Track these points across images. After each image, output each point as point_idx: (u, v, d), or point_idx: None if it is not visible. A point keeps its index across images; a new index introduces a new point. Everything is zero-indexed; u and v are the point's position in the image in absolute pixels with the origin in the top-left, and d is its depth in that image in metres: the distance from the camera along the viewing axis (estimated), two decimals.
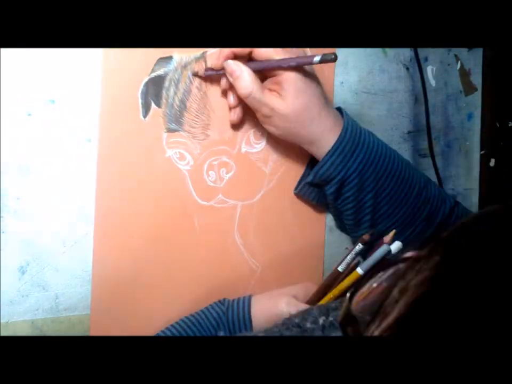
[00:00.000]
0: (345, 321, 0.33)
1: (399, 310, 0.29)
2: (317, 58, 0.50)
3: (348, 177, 0.54)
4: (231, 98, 0.55)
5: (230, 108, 0.56)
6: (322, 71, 0.61)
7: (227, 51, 0.52)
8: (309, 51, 0.56)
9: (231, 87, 0.54)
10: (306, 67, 0.53)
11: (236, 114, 0.55)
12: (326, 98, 0.55)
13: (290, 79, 0.51)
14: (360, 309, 0.32)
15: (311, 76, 0.53)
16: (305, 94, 0.52)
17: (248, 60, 0.53)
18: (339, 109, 0.58)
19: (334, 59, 0.50)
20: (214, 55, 0.54)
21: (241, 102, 0.55)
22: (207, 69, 0.54)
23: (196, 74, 0.54)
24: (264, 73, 0.53)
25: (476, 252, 0.29)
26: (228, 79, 0.53)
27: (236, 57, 0.52)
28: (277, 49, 0.51)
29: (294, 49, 0.53)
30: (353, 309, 0.33)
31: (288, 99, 0.51)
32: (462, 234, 0.31)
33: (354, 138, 0.54)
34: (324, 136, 0.54)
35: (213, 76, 0.54)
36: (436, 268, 0.29)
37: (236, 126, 0.57)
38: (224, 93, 0.55)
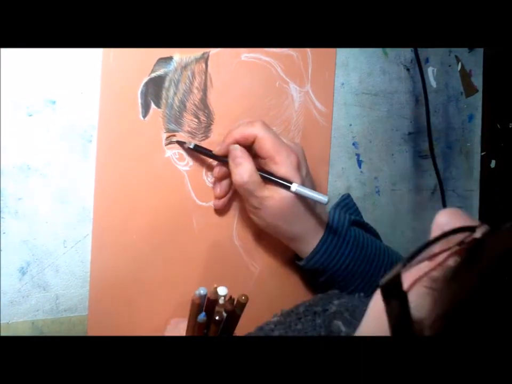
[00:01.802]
0: (390, 290, 0.28)
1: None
2: (293, 188, 0.52)
3: (337, 271, 0.56)
4: (218, 189, 0.56)
5: (216, 197, 0.56)
6: (322, 72, 0.61)
7: (231, 139, 0.53)
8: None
9: (223, 177, 0.55)
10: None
11: (221, 202, 0.56)
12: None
13: (286, 173, 0.52)
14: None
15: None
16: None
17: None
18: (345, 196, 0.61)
19: None
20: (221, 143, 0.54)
21: (226, 194, 0.56)
22: (196, 146, 0.54)
23: (181, 144, 0.54)
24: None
25: None
26: (221, 168, 0.54)
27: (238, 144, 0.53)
28: (275, 146, 0.52)
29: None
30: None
31: (279, 192, 0.52)
32: None
33: (339, 233, 0.56)
34: (306, 234, 0.55)
35: (198, 156, 0.55)
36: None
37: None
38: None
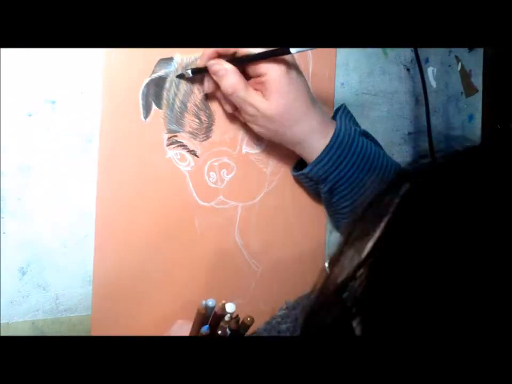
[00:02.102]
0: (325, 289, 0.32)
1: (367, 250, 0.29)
2: (293, 50, 0.49)
3: (343, 176, 0.54)
4: (219, 95, 0.54)
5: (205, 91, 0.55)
6: (323, 72, 0.61)
7: (210, 51, 0.52)
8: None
9: (216, 88, 0.54)
10: (291, 64, 0.52)
11: (230, 106, 0.55)
12: (311, 98, 0.54)
13: (273, 78, 0.50)
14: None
15: (296, 75, 0.52)
16: (288, 94, 0.51)
17: (231, 57, 0.52)
18: (339, 108, 0.58)
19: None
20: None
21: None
22: (192, 70, 0.53)
23: (181, 77, 0.54)
24: (248, 73, 0.52)
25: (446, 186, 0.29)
26: (211, 81, 0.53)
27: (219, 56, 0.52)
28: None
29: None
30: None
31: (271, 99, 0.51)
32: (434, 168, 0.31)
33: (348, 138, 0.54)
34: (309, 137, 0.53)
35: (199, 77, 0.54)
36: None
37: (237, 129, 0.57)
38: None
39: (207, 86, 0.54)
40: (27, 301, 0.50)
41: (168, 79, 0.53)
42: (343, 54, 0.63)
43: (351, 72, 0.64)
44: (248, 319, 0.49)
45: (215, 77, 0.52)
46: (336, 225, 0.63)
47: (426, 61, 0.69)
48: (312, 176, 0.55)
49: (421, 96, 0.67)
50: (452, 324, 0.25)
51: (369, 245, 0.30)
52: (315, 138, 0.53)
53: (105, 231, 0.52)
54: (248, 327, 0.49)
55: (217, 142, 0.56)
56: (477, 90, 0.74)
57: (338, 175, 0.54)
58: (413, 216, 0.29)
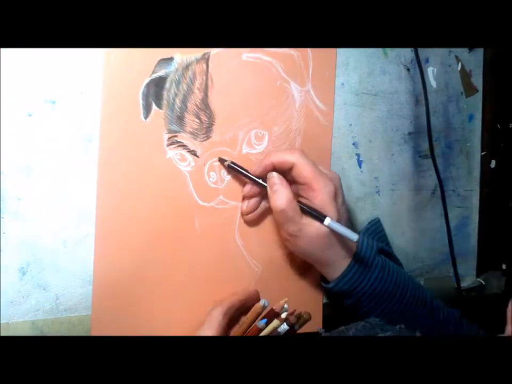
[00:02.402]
0: None
1: None
2: (326, 222, 0.52)
3: (365, 293, 0.56)
4: (245, 206, 0.57)
5: (242, 213, 0.58)
6: (323, 71, 0.61)
7: (269, 162, 0.54)
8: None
9: (252, 196, 0.56)
10: (340, 187, 0.56)
11: (248, 218, 0.58)
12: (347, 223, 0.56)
13: (322, 202, 0.53)
14: None
15: (341, 201, 0.56)
16: (333, 215, 0.53)
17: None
18: (375, 222, 0.63)
19: None
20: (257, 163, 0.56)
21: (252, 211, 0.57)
22: (237, 166, 0.55)
23: (221, 161, 0.56)
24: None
25: None
26: (252, 187, 0.56)
27: (275, 169, 0.54)
28: (313, 174, 0.53)
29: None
30: None
31: (316, 224, 0.53)
32: None
33: (370, 252, 0.57)
34: (336, 261, 0.56)
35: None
36: None
37: (238, 128, 0.57)
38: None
39: (249, 189, 0.56)
40: (27, 301, 0.50)
41: (169, 79, 0.53)
42: (343, 54, 0.63)
43: (351, 72, 0.64)
44: (305, 315, 0.51)
45: (269, 189, 0.54)
46: None
47: (426, 61, 0.69)
48: (337, 291, 0.57)
49: (421, 96, 0.67)
50: None
51: None
52: (341, 261, 0.56)
53: (105, 231, 0.52)
54: (305, 321, 0.51)
55: (217, 142, 0.56)
56: (477, 90, 0.73)
57: (361, 290, 0.56)
58: None
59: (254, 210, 0.57)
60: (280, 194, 0.53)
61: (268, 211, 0.58)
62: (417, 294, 0.59)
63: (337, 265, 0.56)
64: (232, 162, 0.56)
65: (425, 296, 0.60)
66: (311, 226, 0.53)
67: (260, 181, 0.55)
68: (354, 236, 0.51)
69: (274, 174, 0.54)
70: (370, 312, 0.57)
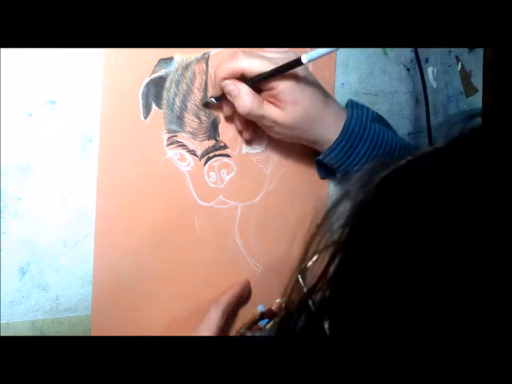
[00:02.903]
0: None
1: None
2: (304, 60, 0.49)
3: (357, 163, 0.55)
4: (237, 124, 0.56)
5: (239, 131, 0.57)
6: (323, 72, 0.61)
7: (219, 77, 0.52)
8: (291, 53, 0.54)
9: (233, 110, 0.55)
10: (301, 70, 0.52)
11: (248, 134, 0.57)
12: (324, 96, 0.54)
13: (285, 90, 0.51)
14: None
15: (306, 80, 0.53)
16: (302, 101, 0.52)
17: (241, 79, 0.53)
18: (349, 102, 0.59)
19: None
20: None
21: (248, 125, 0.56)
22: (216, 98, 0.55)
23: (206, 105, 0.55)
24: (260, 88, 0.53)
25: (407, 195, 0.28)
26: (228, 104, 0.54)
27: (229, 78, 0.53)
28: (262, 61, 0.51)
29: (272, 51, 0.53)
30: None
31: (286, 110, 0.52)
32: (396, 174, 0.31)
33: (359, 126, 0.55)
34: (326, 135, 0.55)
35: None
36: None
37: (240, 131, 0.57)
38: (229, 119, 0.57)
39: (226, 110, 0.55)
40: (27, 301, 0.50)
41: (168, 79, 0.53)
42: (343, 54, 0.63)
43: (351, 72, 0.64)
44: None
45: (229, 97, 0.52)
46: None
47: (426, 61, 0.69)
48: (327, 164, 0.57)
49: (421, 96, 0.67)
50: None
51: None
52: (331, 133, 0.55)
53: (105, 231, 0.52)
54: None
55: (217, 142, 0.56)
56: (477, 90, 0.73)
57: (350, 164, 0.55)
58: (370, 222, 0.29)
59: (253, 134, 0.57)
60: (241, 98, 0.51)
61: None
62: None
63: (330, 139, 0.55)
64: (215, 98, 0.55)
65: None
66: (281, 114, 0.52)
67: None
68: (333, 48, 0.49)
69: (226, 81, 0.52)
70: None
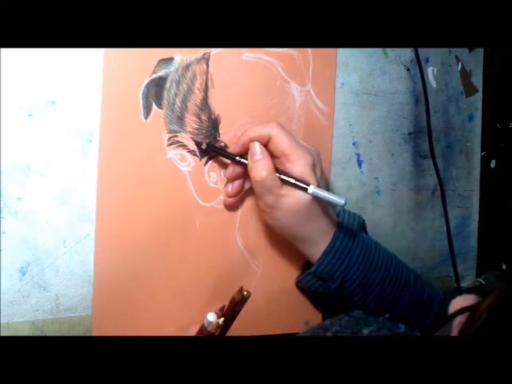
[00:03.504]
0: None
1: None
2: (310, 190, 0.51)
3: (348, 273, 0.55)
4: (229, 188, 0.56)
5: (227, 195, 0.56)
6: (323, 71, 0.61)
7: (247, 138, 0.53)
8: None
9: (236, 178, 0.55)
10: (317, 162, 0.54)
11: (231, 201, 0.57)
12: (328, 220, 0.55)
13: (302, 173, 0.52)
14: None
15: (319, 177, 0.54)
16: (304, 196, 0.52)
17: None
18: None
19: None
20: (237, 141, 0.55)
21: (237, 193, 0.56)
22: (212, 146, 0.55)
23: (198, 144, 0.55)
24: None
25: None
26: (234, 168, 0.55)
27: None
28: (290, 146, 0.52)
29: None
30: None
31: (295, 195, 0.52)
32: None
33: (348, 239, 0.55)
34: (317, 237, 0.55)
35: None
36: None
37: (237, 128, 0.57)
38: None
39: (232, 170, 0.55)
40: (27, 301, 0.50)
41: (169, 79, 0.53)
42: (343, 54, 0.63)
43: (351, 72, 0.64)
44: (245, 292, 0.50)
45: (250, 159, 0.53)
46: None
47: (427, 61, 0.69)
48: (320, 274, 0.56)
49: (421, 96, 0.67)
50: None
51: None
52: (321, 238, 0.55)
53: (106, 231, 0.52)
54: (247, 298, 0.50)
55: (217, 142, 0.56)
56: (477, 90, 0.73)
57: (345, 269, 0.55)
58: None
59: (239, 192, 0.56)
60: (261, 164, 0.52)
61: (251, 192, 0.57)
62: (401, 270, 0.58)
63: (319, 243, 0.55)
64: (209, 144, 0.55)
65: (408, 273, 0.59)
66: (290, 197, 0.52)
67: (242, 159, 0.54)
68: (341, 200, 0.50)
69: (256, 143, 0.53)
70: (355, 293, 0.56)
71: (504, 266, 0.76)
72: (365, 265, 0.56)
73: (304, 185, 0.51)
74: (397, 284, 0.58)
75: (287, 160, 0.52)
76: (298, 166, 0.52)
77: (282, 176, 0.52)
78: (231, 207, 0.57)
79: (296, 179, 0.52)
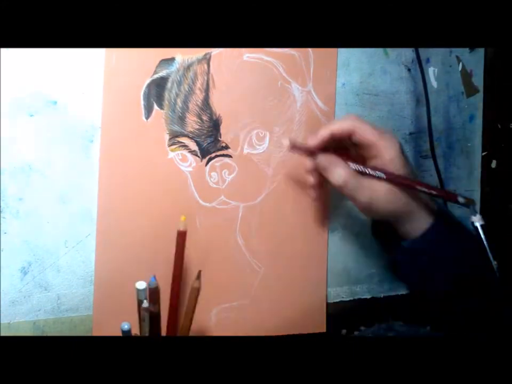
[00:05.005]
0: None
1: None
2: (461, 200, 0.50)
3: (441, 261, 0.53)
4: (311, 179, 0.56)
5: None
6: (324, 71, 0.61)
7: (327, 131, 0.52)
8: None
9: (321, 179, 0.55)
10: (402, 144, 0.53)
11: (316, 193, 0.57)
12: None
13: (388, 160, 0.51)
14: None
15: (406, 154, 0.53)
16: (403, 171, 0.52)
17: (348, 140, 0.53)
18: None
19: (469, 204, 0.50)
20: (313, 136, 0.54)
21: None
22: (300, 148, 0.54)
23: (293, 147, 0.54)
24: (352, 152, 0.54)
25: None
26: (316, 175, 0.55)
27: (333, 138, 0.53)
28: (376, 135, 0.51)
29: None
30: None
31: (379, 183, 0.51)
32: None
33: (450, 224, 0.54)
34: (418, 211, 0.53)
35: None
36: None
37: (240, 128, 0.57)
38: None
39: (311, 179, 0.55)
40: (28, 301, 0.50)
41: (170, 80, 0.53)
42: (344, 54, 0.63)
43: (352, 72, 0.64)
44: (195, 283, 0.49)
45: (323, 172, 0.53)
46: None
47: (427, 61, 0.69)
48: (415, 251, 0.54)
49: (422, 96, 0.67)
50: None
51: None
52: (420, 213, 0.53)
53: (107, 231, 0.52)
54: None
55: (218, 142, 0.56)
56: (478, 91, 0.73)
57: (443, 252, 0.53)
58: None
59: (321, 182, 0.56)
60: (335, 173, 0.51)
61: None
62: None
63: (418, 219, 0.53)
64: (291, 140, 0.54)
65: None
66: (376, 190, 0.51)
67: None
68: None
69: (321, 157, 0.52)
70: (437, 276, 0.53)
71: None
72: (462, 252, 0.53)
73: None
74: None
75: (376, 149, 0.52)
76: (388, 152, 0.51)
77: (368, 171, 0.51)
78: (229, 209, 0.57)
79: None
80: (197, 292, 0.49)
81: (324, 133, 0.53)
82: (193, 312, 0.50)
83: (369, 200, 0.52)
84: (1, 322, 0.49)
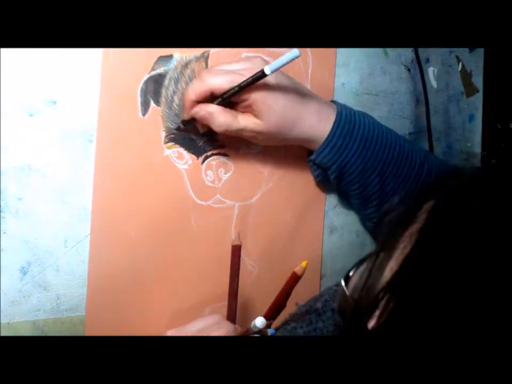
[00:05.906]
0: (342, 307, 0.35)
1: (391, 268, 0.32)
2: (267, 71, 0.48)
3: (349, 161, 0.55)
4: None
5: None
6: (322, 72, 0.61)
7: (188, 102, 0.52)
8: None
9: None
10: (270, 77, 0.51)
11: None
12: (301, 96, 0.54)
13: (257, 99, 0.51)
14: (352, 291, 0.34)
15: (277, 85, 0.52)
16: (276, 106, 0.52)
17: (211, 97, 0.52)
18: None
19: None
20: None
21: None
22: (183, 122, 0.54)
23: (178, 129, 0.54)
24: (232, 101, 0.52)
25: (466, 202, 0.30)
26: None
27: (199, 100, 0.52)
28: (228, 76, 0.50)
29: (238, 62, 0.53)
30: (349, 293, 0.35)
31: (263, 118, 0.52)
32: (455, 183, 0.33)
33: (349, 123, 0.55)
34: (312, 132, 0.55)
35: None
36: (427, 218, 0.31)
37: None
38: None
39: (201, 127, 0.54)
40: (28, 301, 0.50)
41: (167, 77, 0.53)
42: (343, 54, 0.63)
43: (351, 72, 0.64)
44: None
45: (204, 122, 0.53)
46: (347, 205, 0.65)
47: (427, 61, 0.69)
48: (319, 163, 0.57)
49: (422, 96, 0.67)
50: None
51: (391, 263, 0.32)
52: (319, 130, 0.55)
53: (101, 230, 0.52)
54: None
55: (215, 141, 0.56)
56: (478, 91, 0.73)
57: (343, 161, 0.56)
58: (439, 233, 0.30)
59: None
60: (214, 119, 0.51)
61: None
62: (405, 153, 0.58)
63: (319, 135, 0.55)
64: (183, 121, 0.54)
65: (415, 156, 0.59)
66: (259, 124, 0.52)
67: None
68: (295, 51, 0.47)
69: (195, 108, 0.51)
70: (354, 183, 0.57)
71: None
72: (363, 158, 0.56)
73: (259, 74, 0.49)
74: (402, 165, 0.57)
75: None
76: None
77: (235, 90, 0.50)
78: (226, 208, 0.57)
79: (248, 79, 0.49)
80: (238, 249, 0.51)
81: (188, 105, 0.52)
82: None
83: (252, 135, 0.53)
84: (1, 322, 0.49)
